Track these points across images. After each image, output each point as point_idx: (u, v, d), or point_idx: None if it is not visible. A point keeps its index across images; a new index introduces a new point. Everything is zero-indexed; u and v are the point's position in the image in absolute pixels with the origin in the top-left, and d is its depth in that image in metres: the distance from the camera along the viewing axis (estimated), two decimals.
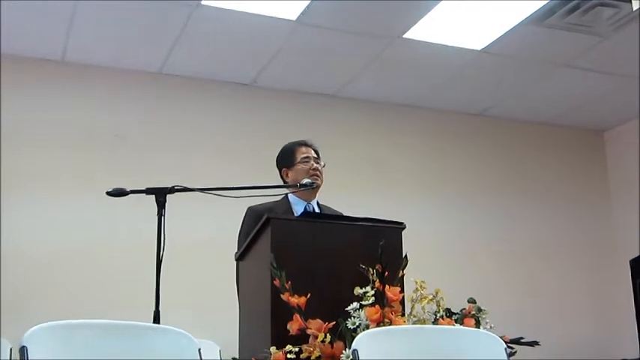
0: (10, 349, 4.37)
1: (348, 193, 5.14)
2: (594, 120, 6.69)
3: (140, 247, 4.71)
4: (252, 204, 3.67)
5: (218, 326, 4.07)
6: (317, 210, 3.76)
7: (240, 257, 3.39)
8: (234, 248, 3.70)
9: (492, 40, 5.20)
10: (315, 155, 3.81)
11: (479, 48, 5.30)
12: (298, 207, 3.70)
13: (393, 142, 6.12)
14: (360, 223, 3.11)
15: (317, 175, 3.71)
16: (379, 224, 3.11)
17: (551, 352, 5.75)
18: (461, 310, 2.92)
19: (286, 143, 3.92)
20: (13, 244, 4.80)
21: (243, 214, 3.73)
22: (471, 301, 2.97)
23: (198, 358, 2.03)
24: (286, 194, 3.76)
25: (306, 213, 3.53)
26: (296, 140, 3.90)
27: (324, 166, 3.81)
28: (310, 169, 3.72)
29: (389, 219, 3.18)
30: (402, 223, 3.17)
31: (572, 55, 5.44)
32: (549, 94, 6.12)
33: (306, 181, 3.49)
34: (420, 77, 5.79)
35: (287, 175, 3.80)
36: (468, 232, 6.09)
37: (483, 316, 2.90)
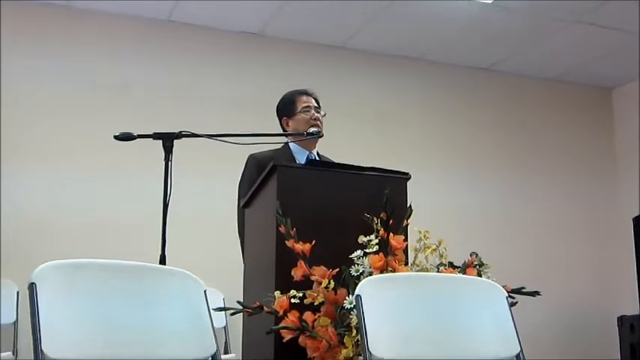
0: (17, 292, 4.44)
1: (352, 144, 5.14)
2: (603, 77, 6.64)
3: (145, 195, 4.75)
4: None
5: (222, 275, 4.11)
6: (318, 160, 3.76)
7: (245, 205, 3.40)
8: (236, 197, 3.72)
9: None
10: (316, 104, 3.80)
11: (489, 1, 5.26)
12: (300, 156, 3.69)
13: (399, 95, 6.10)
14: (365, 173, 3.12)
15: (318, 125, 3.70)
16: (385, 174, 3.12)
17: (554, 307, 5.84)
18: (463, 262, 2.95)
19: (286, 92, 3.90)
20: (18, 193, 4.83)
21: (245, 162, 3.74)
22: (474, 253, 2.99)
23: (204, 299, 2.06)
24: (287, 143, 3.76)
25: (311, 161, 3.53)
26: (295, 90, 3.87)
27: (324, 116, 3.80)
28: (311, 118, 3.69)
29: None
30: (407, 174, 3.18)
31: (582, 10, 5.39)
32: (558, 50, 6.07)
33: (312, 129, 3.49)
34: (427, 30, 5.75)
35: (287, 124, 3.79)
36: (470, 187, 6.10)
37: (485, 270, 2.92)
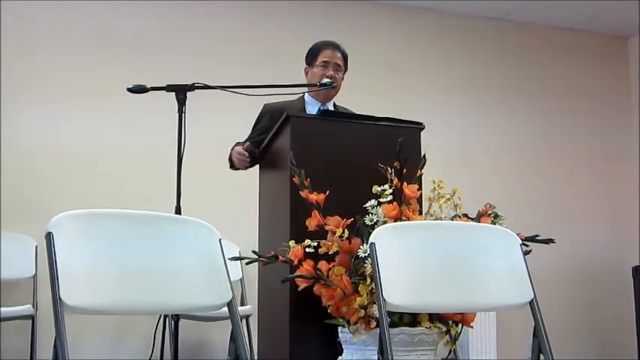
0: (36, 247, 4.49)
1: (364, 97, 5.10)
2: (618, 26, 6.54)
3: (159, 148, 4.76)
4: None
5: (237, 228, 4.13)
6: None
7: (259, 156, 3.41)
8: None
9: None
10: (339, 62, 3.72)
11: None
12: (312, 107, 3.66)
13: (411, 45, 6.03)
14: (379, 123, 3.11)
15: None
16: (398, 124, 3.12)
17: (567, 257, 5.86)
18: (477, 212, 2.95)
19: (318, 41, 3.82)
20: (32, 143, 4.84)
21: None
22: (488, 203, 2.99)
23: (219, 247, 2.07)
24: (303, 94, 3.74)
25: (324, 112, 3.51)
26: (325, 41, 3.81)
27: (344, 73, 3.75)
28: (325, 75, 3.60)
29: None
30: (420, 123, 3.17)
31: None
32: None
33: (325, 80, 3.46)
34: None
35: (307, 73, 3.77)
36: (485, 138, 6.07)
37: (500, 222, 2.91)
